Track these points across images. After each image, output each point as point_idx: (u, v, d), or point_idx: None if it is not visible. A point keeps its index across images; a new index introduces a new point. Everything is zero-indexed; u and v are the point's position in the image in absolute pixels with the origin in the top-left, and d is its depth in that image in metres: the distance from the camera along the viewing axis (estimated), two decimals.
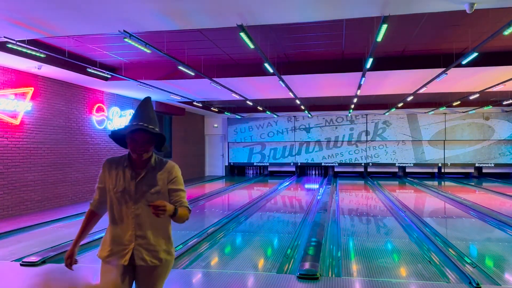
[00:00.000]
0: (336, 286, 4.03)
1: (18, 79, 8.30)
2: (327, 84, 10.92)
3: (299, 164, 19.54)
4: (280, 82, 9.55)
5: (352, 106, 15.64)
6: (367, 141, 18.76)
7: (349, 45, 8.12)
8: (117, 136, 2.29)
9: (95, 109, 10.91)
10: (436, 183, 16.14)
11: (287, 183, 16.10)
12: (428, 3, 4.95)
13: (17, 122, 8.25)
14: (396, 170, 18.90)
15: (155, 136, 2.23)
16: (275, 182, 16.61)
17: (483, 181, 16.70)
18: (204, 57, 8.93)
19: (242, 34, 5.80)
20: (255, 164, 19.91)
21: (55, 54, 7.39)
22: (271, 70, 8.17)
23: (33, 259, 4.81)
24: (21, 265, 4.71)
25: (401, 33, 7.30)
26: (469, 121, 17.83)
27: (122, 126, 2.26)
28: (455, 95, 13.37)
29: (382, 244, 6.31)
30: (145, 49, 6.68)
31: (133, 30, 6.02)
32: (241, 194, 13.19)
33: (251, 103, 14.50)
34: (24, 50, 6.63)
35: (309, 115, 18.58)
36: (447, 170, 18.31)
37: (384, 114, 18.08)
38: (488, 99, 14.76)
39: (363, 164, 18.95)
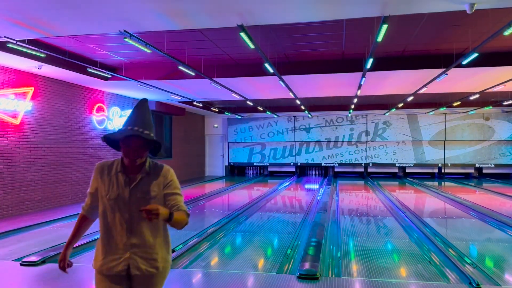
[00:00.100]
0: (336, 286, 4.02)
1: (18, 79, 8.31)
2: (327, 84, 10.92)
3: (299, 164, 19.54)
4: (280, 82, 9.55)
5: (352, 106, 15.64)
6: (367, 141, 18.76)
7: (349, 45, 8.12)
8: (110, 140, 2.19)
9: (95, 109, 10.91)
10: (436, 183, 16.14)
11: (287, 183, 16.10)
12: (428, 3, 4.95)
13: (17, 122, 8.26)
14: (396, 170, 18.89)
15: (150, 142, 2.14)
16: (275, 182, 16.61)
17: (483, 181, 16.69)
18: (204, 57, 8.93)
19: (242, 34, 5.80)
20: (255, 164, 19.91)
21: (55, 54, 7.39)
22: (271, 70, 8.17)
23: (33, 258, 4.81)
24: (21, 264, 4.71)
25: (402, 33, 7.30)
26: (469, 121, 17.82)
27: (116, 130, 2.19)
28: (455, 95, 13.37)
29: (382, 244, 6.31)
30: (145, 49, 6.68)
31: (133, 30, 6.02)
32: (241, 194, 13.19)
33: (251, 103, 14.51)
34: (25, 50, 6.63)
35: (309, 115, 18.58)
36: (447, 171, 18.30)
37: (384, 114, 18.07)
38: (488, 99, 14.76)
39: (363, 165, 18.95)
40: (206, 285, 4.23)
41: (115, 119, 11.72)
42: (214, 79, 9.55)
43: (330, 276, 4.58)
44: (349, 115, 18.55)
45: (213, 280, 4.33)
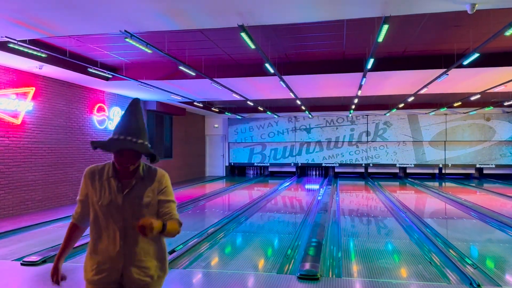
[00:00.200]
0: (337, 287, 4.02)
1: (19, 79, 8.31)
2: (328, 85, 10.92)
3: (299, 165, 19.53)
4: (281, 82, 9.55)
5: (353, 106, 15.63)
6: (367, 141, 18.75)
7: (350, 45, 8.11)
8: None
9: (96, 109, 10.92)
10: (436, 184, 16.13)
11: (288, 184, 16.10)
12: (429, 3, 4.94)
13: (18, 122, 8.26)
14: (397, 170, 18.88)
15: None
16: (276, 182, 16.61)
17: (484, 182, 16.68)
18: (205, 57, 8.93)
19: (243, 34, 5.80)
20: (255, 164, 19.91)
21: (56, 54, 7.39)
22: (271, 71, 8.17)
23: (33, 258, 4.82)
24: (21, 264, 4.72)
25: (402, 33, 7.30)
26: (470, 122, 17.81)
27: (106, 139, 2.01)
28: (456, 95, 13.36)
29: (382, 244, 6.31)
30: (146, 49, 6.68)
31: (134, 30, 6.02)
32: (242, 195, 13.18)
33: (251, 104, 14.51)
34: (25, 50, 6.64)
35: (310, 116, 18.58)
36: (447, 171, 18.29)
37: (384, 114, 18.07)
38: (489, 100, 14.74)
39: (363, 165, 18.93)
40: (207, 285, 4.23)
41: (115, 119, 11.72)
42: (214, 79, 9.55)
43: (330, 276, 4.57)
44: (350, 115, 18.55)
45: (213, 280, 4.33)
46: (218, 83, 9.89)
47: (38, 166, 8.86)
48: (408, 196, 12.96)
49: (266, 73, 8.95)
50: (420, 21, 6.58)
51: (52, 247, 5.42)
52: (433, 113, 17.40)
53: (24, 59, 7.39)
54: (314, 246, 5.52)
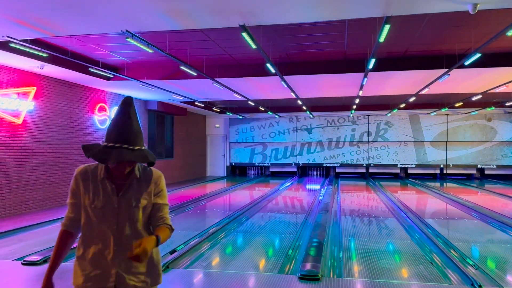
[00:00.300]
0: (338, 287, 4.02)
1: (20, 79, 8.32)
2: (329, 85, 10.91)
3: (300, 165, 19.52)
4: (282, 82, 9.54)
5: (354, 106, 15.61)
6: (369, 142, 18.73)
7: (351, 45, 8.10)
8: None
9: (97, 108, 10.93)
10: (438, 184, 16.11)
11: (289, 184, 16.09)
12: (431, 3, 4.94)
13: (19, 121, 8.27)
14: (398, 171, 18.86)
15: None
16: (277, 182, 16.60)
17: (485, 182, 16.65)
18: (206, 57, 8.93)
19: (244, 34, 5.80)
20: (256, 164, 19.90)
21: (57, 54, 7.40)
22: (273, 71, 8.16)
23: (34, 258, 4.82)
24: (22, 264, 4.72)
25: (404, 33, 7.28)
26: (472, 122, 17.78)
27: (99, 147, 1.86)
28: (458, 96, 13.34)
29: (383, 245, 6.30)
30: (147, 49, 6.68)
31: (136, 30, 6.02)
32: (243, 195, 13.18)
33: (252, 103, 14.50)
34: (27, 49, 6.64)
35: (311, 116, 18.57)
36: (449, 171, 18.26)
37: (386, 115, 18.05)
38: (490, 100, 14.72)
39: (364, 165, 18.91)
40: (207, 285, 4.23)
41: None
42: (215, 79, 9.55)
43: (331, 276, 4.57)
44: (351, 115, 18.53)
45: (214, 280, 4.33)
46: (219, 83, 9.89)
47: (39, 165, 8.86)
48: (409, 197, 12.95)
49: (267, 73, 8.94)
50: (421, 21, 6.57)
51: (53, 247, 5.40)
52: (435, 113, 17.37)
53: (26, 59, 7.40)
54: (315, 246, 5.51)
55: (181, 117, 16.62)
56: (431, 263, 5.09)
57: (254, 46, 6.31)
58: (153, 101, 13.73)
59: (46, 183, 9.10)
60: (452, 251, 5.53)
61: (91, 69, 8.54)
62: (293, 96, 12.10)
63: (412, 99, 13.03)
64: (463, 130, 17.89)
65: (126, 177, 1.93)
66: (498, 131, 17.58)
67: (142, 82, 9.85)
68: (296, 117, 19.22)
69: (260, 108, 15.90)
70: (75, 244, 1.99)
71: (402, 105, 14.87)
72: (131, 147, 1.83)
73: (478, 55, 7.05)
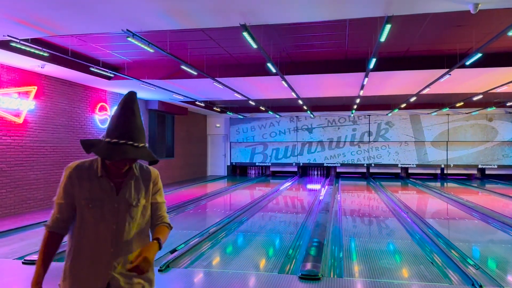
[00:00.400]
0: (338, 287, 4.01)
1: (21, 78, 8.33)
2: (330, 84, 10.91)
3: (301, 165, 19.51)
4: (283, 82, 9.54)
5: (355, 106, 15.60)
6: (369, 141, 18.72)
7: (352, 45, 8.10)
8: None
9: (97, 108, 10.93)
10: (438, 184, 16.09)
11: (289, 184, 16.09)
12: (432, 3, 4.93)
13: (20, 120, 8.28)
14: (399, 171, 18.84)
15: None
16: (277, 182, 16.60)
17: (486, 182, 16.63)
18: (207, 56, 8.93)
19: (245, 34, 5.80)
20: (257, 164, 19.90)
21: (58, 53, 7.40)
22: (273, 70, 8.16)
23: (35, 257, 4.81)
24: (23, 263, 4.72)
25: (405, 33, 7.28)
26: (472, 122, 17.76)
27: (102, 143, 1.79)
28: (459, 96, 13.32)
29: (384, 245, 6.29)
30: (148, 49, 6.68)
31: (136, 29, 6.02)
32: (243, 194, 13.18)
33: (253, 103, 14.50)
34: (28, 49, 6.64)
35: (312, 116, 18.56)
36: (449, 171, 18.24)
37: (387, 114, 18.04)
38: (491, 100, 14.70)
39: (365, 165, 18.90)
40: (208, 285, 4.23)
41: None
42: (216, 78, 9.55)
43: (332, 276, 4.56)
44: (352, 115, 18.52)
45: (215, 280, 4.32)
46: (220, 82, 9.89)
47: (40, 165, 8.87)
48: (409, 197, 12.94)
49: (268, 73, 8.94)
50: (422, 21, 6.57)
51: None
52: (435, 113, 17.36)
53: (26, 58, 7.40)
54: (315, 246, 5.51)
55: (182, 116, 16.62)
56: (432, 263, 5.09)
57: (254, 46, 6.31)
58: (153, 100, 13.74)
59: (47, 182, 9.11)
60: (452, 251, 5.53)
61: (92, 69, 8.55)
62: (294, 95, 12.09)
63: (413, 99, 13.02)
64: (464, 130, 17.88)
65: (123, 175, 1.85)
66: (499, 131, 17.56)
67: (143, 81, 9.85)
68: (296, 116, 19.21)
69: (261, 107, 15.90)
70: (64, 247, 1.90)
71: (403, 105, 14.86)
72: (136, 144, 1.75)
73: (479, 55, 7.04)
